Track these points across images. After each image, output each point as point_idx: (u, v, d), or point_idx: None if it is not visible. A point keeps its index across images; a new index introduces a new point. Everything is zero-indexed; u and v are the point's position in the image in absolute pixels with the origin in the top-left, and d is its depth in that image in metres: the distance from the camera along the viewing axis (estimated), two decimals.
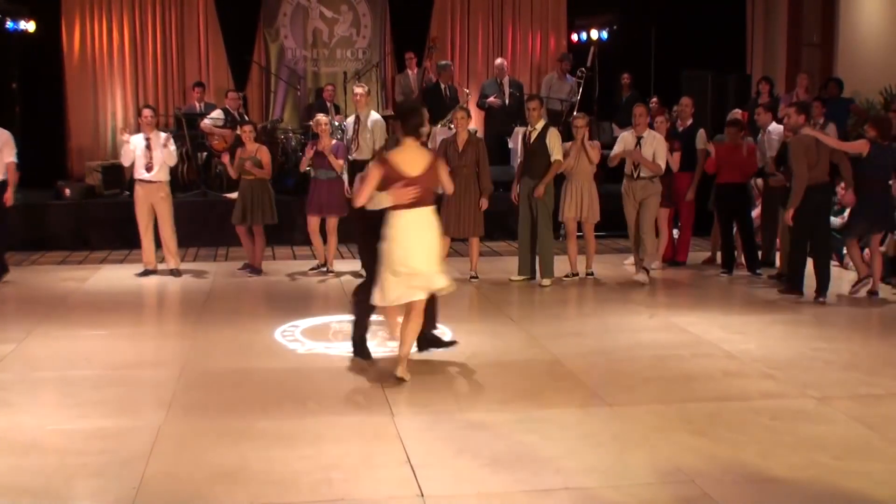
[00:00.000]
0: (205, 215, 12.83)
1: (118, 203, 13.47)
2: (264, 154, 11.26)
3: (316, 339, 8.29)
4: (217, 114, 14.50)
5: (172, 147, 11.16)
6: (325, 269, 11.46)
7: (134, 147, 11.09)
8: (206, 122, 14.38)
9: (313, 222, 11.36)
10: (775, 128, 11.64)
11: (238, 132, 11.96)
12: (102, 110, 16.72)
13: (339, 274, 11.31)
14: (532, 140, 10.61)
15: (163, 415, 6.24)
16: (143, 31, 16.71)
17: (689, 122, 11.89)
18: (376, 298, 7.07)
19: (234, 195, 11.73)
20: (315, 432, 5.91)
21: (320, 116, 11.62)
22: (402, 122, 7.18)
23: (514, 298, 10.26)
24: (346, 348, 7.92)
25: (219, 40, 16.89)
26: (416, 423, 6.08)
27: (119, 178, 14.26)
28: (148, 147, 11.01)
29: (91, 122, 16.68)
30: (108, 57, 16.64)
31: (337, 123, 14.43)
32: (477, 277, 10.88)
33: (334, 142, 11.36)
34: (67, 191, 13.86)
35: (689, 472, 5.27)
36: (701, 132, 11.73)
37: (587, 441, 5.81)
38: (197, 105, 15.22)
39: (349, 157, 11.14)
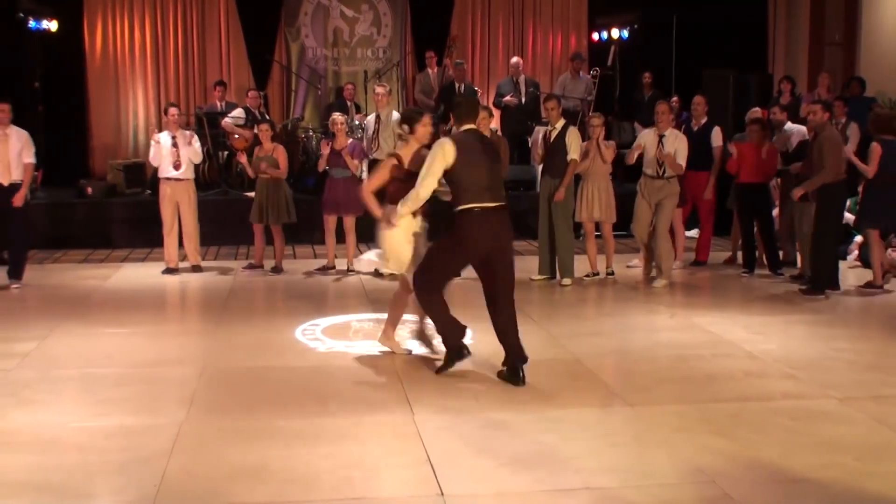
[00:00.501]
0: (226, 214, 12.87)
1: (140, 202, 13.56)
2: (281, 154, 11.29)
3: (337, 338, 8.30)
4: (238, 113, 14.55)
5: (197, 145, 11.25)
6: (332, 268, 11.49)
7: (161, 145, 11.17)
8: (226, 121, 14.43)
9: (330, 221, 11.40)
10: (790, 127, 11.65)
11: (256, 131, 11.98)
12: (124, 109, 16.81)
13: (353, 272, 11.37)
14: (552, 139, 10.61)
15: (184, 413, 6.26)
16: (165, 30, 16.79)
17: (704, 120, 11.82)
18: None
19: (252, 194, 11.77)
20: (336, 431, 5.92)
21: (336, 115, 11.68)
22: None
23: (534, 298, 10.24)
24: (366, 347, 7.95)
25: (240, 39, 16.95)
26: (436, 423, 6.08)
27: (141, 176, 14.35)
28: (174, 145, 11.09)
29: (113, 121, 16.76)
30: (130, 56, 16.72)
31: (357, 122, 14.48)
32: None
33: (350, 141, 11.37)
34: (89, 189, 13.93)
35: (709, 472, 5.26)
36: (716, 130, 11.67)
37: (607, 441, 5.80)
38: (218, 104, 15.27)
39: (370, 156, 11.14)
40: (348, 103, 15.56)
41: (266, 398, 6.63)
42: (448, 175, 6.89)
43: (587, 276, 10.99)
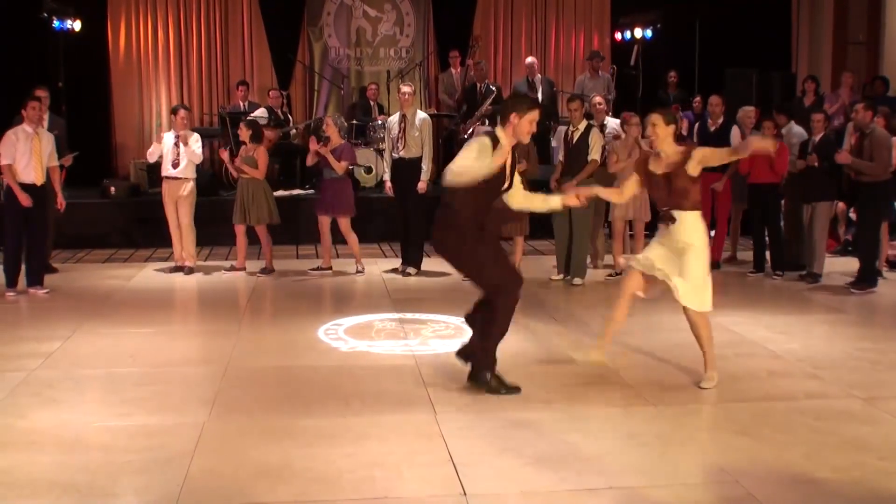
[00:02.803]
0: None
1: (159, 201, 13.58)
2: (261, 154, 11.27)
3: (359, 338, 8.31)
4: (261, 112, 14.58)
5: (197, 145, 11.21)
6: (328, 269, 11.51)
7: (163, 144, 11.27)
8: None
9: (323, 222, 11.43)
10: (789, 129, 11.72)
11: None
12: (147, 109, 16.89)
13: (351, 273, 11.37)
14: (574, 140, 10.60)
15: (207, 412, 6.28)
16: (188, 30, 16.85)
17: (721, 120, 11.82)
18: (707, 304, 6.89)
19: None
20: (358, 430, 5.92)
21: (329, 117, 11.81)
22: None
23: (556, 297, 10.23)
24: (388, 347, 7.96)
25: (262, 39, 16.99)
26: (458, 422, 6.08)
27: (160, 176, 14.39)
28: (176, 144, 11.16)
29: (136, 121, 16.85)
30: (153, 56, 16.80)
31: (380, 122, 14.50)
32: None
33: (342, 142, 11.37)
34: (113, 189, 14.00)
35: (733, 472, 5.24)
36: (735, 129, 11.66)
37: (631, 441, 5.79)
38: (241, 104, 15.32)
39: (394, 154, 11.14)
40: (371, 103, 15.59)
41: (289, 398, 6.64)
42: None
43: (610, 275, 10.98)
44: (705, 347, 6.95)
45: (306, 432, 5.89)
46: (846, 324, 8.99)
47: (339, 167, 11.15)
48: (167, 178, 11.34)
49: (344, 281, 11.14)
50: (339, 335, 8.44)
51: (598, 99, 11.76)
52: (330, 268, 11.55)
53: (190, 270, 11.40)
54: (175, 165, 11.22)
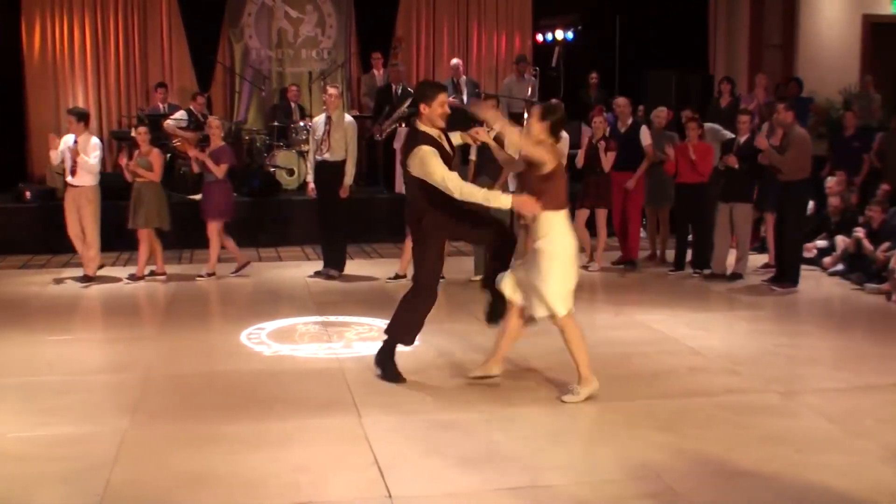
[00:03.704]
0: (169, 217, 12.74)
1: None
2: (155, 157, 11.11)
3: (282, 342, 8.27)
4: (181, 115, 14.43)
5: (94, 155, 10.91)
6: (212, 275, 11.29)
7: (60, 149, 10.96)
8: (169, 123, 14.30)
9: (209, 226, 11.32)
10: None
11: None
12: (64, 112, 16.48)
13: (220, 277, 11.24)
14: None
15: (127, 420, 6.20)
16: (105, 30, 16.56)
17: (629, 121, 11.94)
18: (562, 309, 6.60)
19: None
20: (282, 435, 5.90)
21: (212, 119, 11.72)
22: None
23: (478, 298, 10.23)
24: (312, 350, 7.93)
25: (182, 40, 16.78)
26: (383, 424, 6.08)
27: None
28: (74, 151, 10.80)
29: (52, 124, 16.44)
30: (70, 57, 16.49)
31: (303, 124, 14.44)
32: (443, 278, 10.87)
33: (220, 145, 11.30)
34: (28, 193, 13.75)
35: (655, 467, 5.31)
36: (644, 129, 11.78)
37: (554, 439, 5.84)
38: (160, 106, 15.13)
39: (318, 157, 11.08)
40: (292, 105, 15.49)
41: (211, 403, 6.58)
42: None
43: None
44: (574, 354, 6.65)
45: (229, 438, 5.85)
46: (763, 320, 9.15)
47: (219, 170, 11.07)
48: (68, 185, 11.01)
49: (267, 284, 11.06)
50: (261, 339, 8.38)
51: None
52: (214, 273, 11.36)
53: (90, 279, 11.05)
54: (72, 173, 10.88)
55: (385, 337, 7.19)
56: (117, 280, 11.20)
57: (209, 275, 11.22)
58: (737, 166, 10.70)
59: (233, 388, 6.95)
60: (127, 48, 16.67)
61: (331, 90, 11.22)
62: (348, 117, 11.34)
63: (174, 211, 11.59)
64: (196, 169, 11.33)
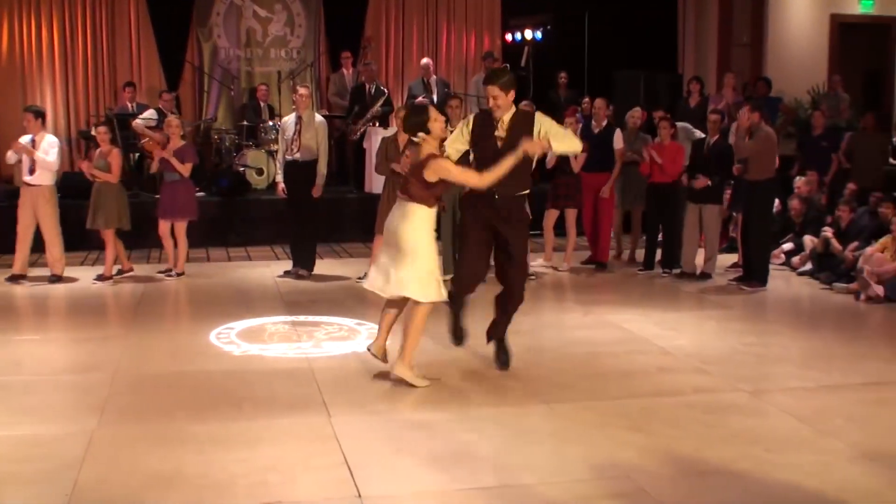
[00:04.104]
0: (137, 217, 12.63)
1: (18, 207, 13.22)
2: (114, 157, 11.02)
3: (252, 342, 8.23)
4: (150, 114, 14.35)
5: (52, 152, 10.83)
6: (172, 273, 11.22)
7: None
8: (137, 123, 14.23)
9: (163, 226, 11.20)
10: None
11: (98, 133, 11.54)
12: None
13: (179, 276, 11.17)
14: None
15: (95, 420, 6.16)
16: (73, 29, 16.43)
17: (604, 123, 11.81)
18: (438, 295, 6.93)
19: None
20: (251, 435, 5.87)
21: (171, 118, 11.67)
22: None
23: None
24: (281, 350, 7.91)
25: (151, 39, 16.67)
26: (353, 424, 6.06)
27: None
28: (30, 149, 10.73)
29: (20, 123, 16.25)
30: (37, 56, 16.35)
31: (272, 124, 14.40)
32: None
33: (182, 143, 11.26)
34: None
35: (624, 467, 5.32)
36: (618, 132, 11.71)
37: (524, 439, 5.84)
38: (129, 105, 15.04)
39: (288, 156, 11.03)
40: (261, 104, 15.44)
41: (180, 403, 6.54)
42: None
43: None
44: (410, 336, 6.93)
45: (198, 438, 5.82)
46: (733, 319, 9.19)
47: (185, 169, 11.03)
48: (25, 184, 10.90)
49: (235, 284, 11.01)
50: (231, 339, 8.34)
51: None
52: (171, 269, 11.27)
53: (57, 278, 10.98)
54: (31, 172, 10.80)
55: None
56: (73, 280, 11.10)
57: (178, 274, 11.15)
58: (710, 183, 10.73)
59: (202, 387, 6.92)
60: (95, 47, 16.54)
61: (301, 90, 11.18)
62: (319, 117, 11.31)
63: (143, 210, 11.52)
64: (155, 169, 11.21)
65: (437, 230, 7.06)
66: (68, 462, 5.39)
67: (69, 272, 11.26)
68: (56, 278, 10.98)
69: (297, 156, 10.95)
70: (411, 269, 6.70)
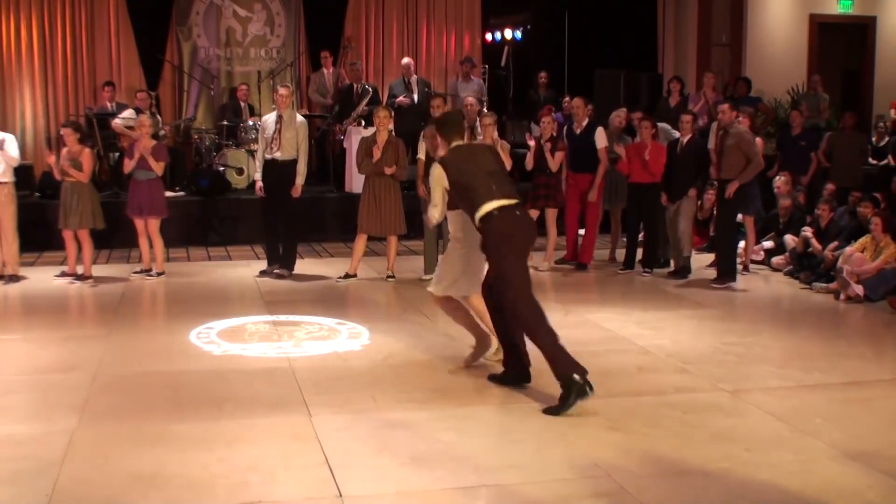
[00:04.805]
0: (117, 217, 12.58)
1: (28, 204, 13.16)
2: (86, 157, 10.95)
3: (232, 341, 8.21)
4: (129, 113, 14.30)
5: (12, 147, 10.78)
6: (152, 273, 11.18)
7: None
8: (116, 122, 14.19)
9: (139, 224, 11.17)
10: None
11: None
12: (11, 110, 16.33)
13: (160, 275, 11.14)
14: None
15: (76, 420, 6.13)
16: (53, 28, 16.34)
17: (585, 122, 11.71)
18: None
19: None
20: (232, 434, 5.86)
21: (143, 117, 11.68)
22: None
23: (426, 297, 10.23)
24: (262, 350, 7.89)
25: (130, 39, 16.60)
26: (334, 424, 6.06)
27: (29, 179, 13.97)
28: None
29: None
30: (17, 55, 16.25)
31: (252, 123, 14.37)
32: (394, 277, 10.88)
33: (154, 143, 11.23)
34: None
35: (605, 466, 5.33)
36: (600, 130, 11.59)
37: (505, 438, 5.85)
38: (108, 105, 14.99)
39: (268, 155, 11.01)
40: (241, 104, 15.42)
41: (160, 403, 6.53)
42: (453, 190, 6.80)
43: None
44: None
45: (179, 438, 5.80)
46: (713, 319, 9.22)
47: (159, 167, 11.02)
48: None
49: (215, 283, 10.99)
50: (211, 338, 8.32)
51: (470, 99, 11.77)
52: (150, 269, 11.21)
53: (15, 278, 10.90)
54: None
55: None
56: (24, 278, 11.03)
57: (159, 274, 11.12)
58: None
59: (182, 387, 6.90)
60: (74, 46, 16.46)
61: (281, 90, 11.17)
62: (300, 117, 11.30)
63: (122, 211, 11.48)
64: (129, 168, 11.13)
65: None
66: (48, 462, 5.37)
67: (39, 272, 11.30)
68: (14, 278, 10.90)
69: (278, 154, 10.93)
70: None
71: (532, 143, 11.67)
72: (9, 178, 10.82)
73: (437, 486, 5.09)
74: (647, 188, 11.26)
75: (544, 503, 4.91)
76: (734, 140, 10.40)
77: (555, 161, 11.32)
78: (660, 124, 12.10)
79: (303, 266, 11.49)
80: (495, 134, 10.87)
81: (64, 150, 11.04)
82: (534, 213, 11.52)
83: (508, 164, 10.81)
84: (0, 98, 16.20)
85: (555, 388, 6.38)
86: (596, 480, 5.16)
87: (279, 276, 11.07)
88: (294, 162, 10.97)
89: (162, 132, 14.88)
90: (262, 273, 11.21)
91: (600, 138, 11.55)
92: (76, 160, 10.83)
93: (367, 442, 5.74)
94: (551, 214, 11.60)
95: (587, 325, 8.90)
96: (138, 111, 14.24)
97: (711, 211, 12.06)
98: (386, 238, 11.02)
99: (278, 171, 10.94)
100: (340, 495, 4.95)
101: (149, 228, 11.11)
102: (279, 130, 10.93)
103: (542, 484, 5.11)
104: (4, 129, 15.42)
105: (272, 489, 5.04)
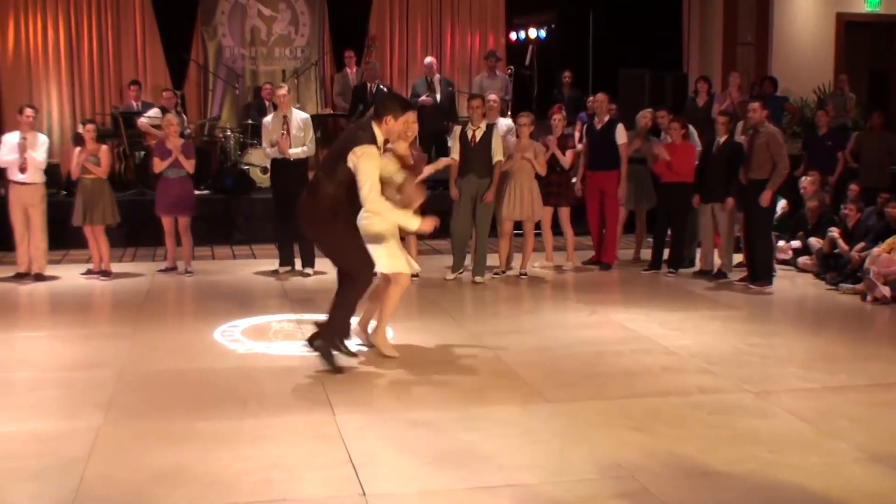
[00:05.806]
0: (143, 215, 12.63)
1: (55, 203, 13.20)
2: (104, 154, 11.04)
3: (256, 339, 8.24)
4: (154, 112, 14.39)
5: (41, 150, 10.86)
6: (191, 271, 11.26)
7: (4, 145, 10.88)
8: (142, 121, 14.27)
9: (167, 223, 11.26)
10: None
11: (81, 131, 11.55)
12: (38, 110, 16.46)
13: (189, 274, 11.23)
14: (477, 140, 10.59)
15: (101, 417, 6.17)
16: (79, 28, 16.48)
17: (606, 118, 11.65)
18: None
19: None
20: (256, 433, 5.88)
21: (171, 116, 11.75)
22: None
23: (453, 296, 10.26)
24: (286, 348, 7.91)
25: (156, 39, 16.71)
26: (357, 422, 6.06)
27: (56, 177, 14.06)
28: (22, 147, 10.77)
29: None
30: (44, 55, 16.39)
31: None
32: (417, 276, 10.88)
33: (182, 141, 11.29)
34: (2, 191, 13.64)
35: (628, 467, 5.32)
36: (620, 127, 11.53)
37: (528, 438, 5.84)
38: (134, 104, 15.07)
39: (278, 156, 11.02)
40: (266, 103, 15.45)
41: (185, 401, 6.55)
42: None
43: (495, 273, 11.03)
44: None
45: (203, 435, 5.83)
46: (737, 320, 9.18)
47: (189, 165, 11.10)
48: (14, 182, 10.89)
49: (241, 282, 11.03)
50: (235, 337, 8.35)
51: (492, 97, 11.74)
52: (175, 267, 11.33)
53: (41, 277, 10.97)
54: (22, 171, 10.77)
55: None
56: (56, 278, 11.10)
57: (188, 272, 11.18)
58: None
59: (207, 385, 6.93)
60: (101, 46, 16.59)
61: (280, 91, 11.18)
62: (304, 114, 11.34)
63: (148, 209, 11.54)
64: (160, 168, 11.17)
65: None
66: (74, 459, 5.40)
67: (66, 270, 11.40)
68: (40, 276, 10.98)
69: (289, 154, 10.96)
70: None
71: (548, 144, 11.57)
72: (38, 178, 10.91)
73: (460, 485, 5.09)
74: (676, 188, 11.20)
75: (567, 503, 4.91)
76: (764, 139, 10.31)
77: (566, 158, 11.29)
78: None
79: (324, 264, 11.48)
80: (528, 137, 10.84)
81: (80, 149, 11.11)
82: (546, 212, 11.46)
83: (543, 170, 10.85)
84: (27, 98, 16.26)
85: (565, 392, 6.35)
86: (619, 481, 5.15)
87: (303, 275, 11.09)
88: (305, 161, 11.00)
89: (187, 131, 14.96)
90: (273, 273, 11.23)
91: (620, 134, 11.48)
92: (95, 156, 10.91)
93: (389, 441, 5.74)
94: (564, 214, 11.54)
95: (611, 325, 8.88)
96: (164, 110, 14.32)
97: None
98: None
99: (290, 170, 10.95)
100: (364, 494, 4.95)
101: (180, 227, 11.19)
102: (287, 130, 10.95)
103: (565, 484, 5.10)
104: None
105: (295, 487, 5.05)
